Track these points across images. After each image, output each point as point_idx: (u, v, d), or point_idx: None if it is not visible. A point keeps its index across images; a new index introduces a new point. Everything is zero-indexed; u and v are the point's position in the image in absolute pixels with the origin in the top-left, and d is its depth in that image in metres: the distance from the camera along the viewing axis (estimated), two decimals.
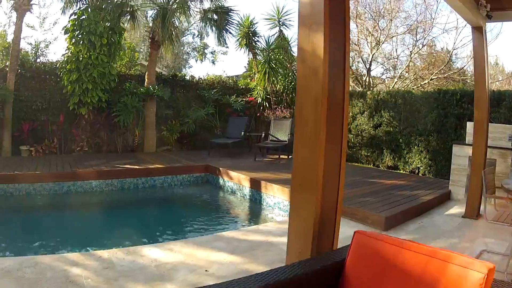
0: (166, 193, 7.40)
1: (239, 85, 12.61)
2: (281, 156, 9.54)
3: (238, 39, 11.79)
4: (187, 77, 11.98)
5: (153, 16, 10.19)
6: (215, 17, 10.70)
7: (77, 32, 8.71)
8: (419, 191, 6.00)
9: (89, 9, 8.81)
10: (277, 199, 5.92)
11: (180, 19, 11.18)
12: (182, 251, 3.58)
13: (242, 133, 9.90)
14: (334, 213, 1.99)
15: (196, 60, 29.05)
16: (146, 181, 7.34)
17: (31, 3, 9.07)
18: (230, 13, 10.73)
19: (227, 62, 34.44)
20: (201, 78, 12.02)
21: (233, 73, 19.74)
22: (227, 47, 29.64)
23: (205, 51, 30.04)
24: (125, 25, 10.06)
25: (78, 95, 8.87)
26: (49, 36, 20.00)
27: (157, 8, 9.63)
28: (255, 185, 6.43)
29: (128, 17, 9.94)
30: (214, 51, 26.56)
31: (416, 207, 5.07)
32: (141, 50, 20.08)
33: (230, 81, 12.87)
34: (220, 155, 9.70)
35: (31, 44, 10.76)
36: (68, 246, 4.35)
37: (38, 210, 6.01)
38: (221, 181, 7.48)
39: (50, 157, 8.41)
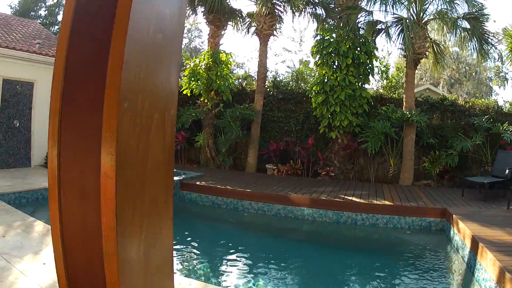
0: (382, 236, 6.05)
1: None
2: None
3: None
4: (459, 101, 10.08)
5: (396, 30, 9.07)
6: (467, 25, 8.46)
7: (320, 53, 8.64)
8: None
9: (331, 29, 8.67)
10: (488, 274, 3.60)
11: (438, 31, 9.25)
12: None
13: (507, 171, 7.23)
14: None
15: (499, 86, 23.37)
16: (366, 218, 6.27)
17: (273, 28, 9.59)
18: (481, 19, 8.24)
19: None
20: (474, 103, 9.98)
21: None
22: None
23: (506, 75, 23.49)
24: (384, 44, 9.33)
25: (328, 118, 8.75)
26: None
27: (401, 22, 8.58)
28: (474, 246, 4.31)
29: (383, 35, 9.17)
30: None
31: None
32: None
33: (508, 105, 10.28)
34: (475, 197, 7.33)
35: (289, 67, 11.76)
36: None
37: (233, 224, 6.25)
38: (451, 233, 5.50)
39: (290, 179, 8.56)
